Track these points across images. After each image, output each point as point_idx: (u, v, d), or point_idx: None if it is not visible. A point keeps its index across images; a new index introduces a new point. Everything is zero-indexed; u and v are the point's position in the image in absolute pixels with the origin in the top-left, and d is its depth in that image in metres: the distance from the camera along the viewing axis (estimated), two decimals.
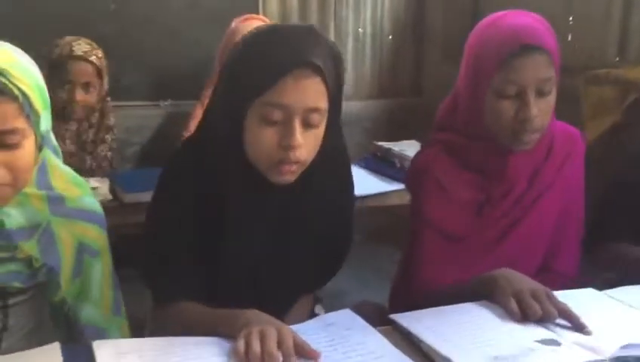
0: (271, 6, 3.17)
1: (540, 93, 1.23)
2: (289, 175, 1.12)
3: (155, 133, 2.98)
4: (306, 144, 1.09)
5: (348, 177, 1.32)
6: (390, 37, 3.44)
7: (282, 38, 1.08)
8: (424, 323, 1.08)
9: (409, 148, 2.38)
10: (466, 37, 1.35)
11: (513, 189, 1.35)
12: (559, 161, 1.39)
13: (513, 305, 1.08)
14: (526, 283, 1.12)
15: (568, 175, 1.40)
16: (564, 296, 1.13)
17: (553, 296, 1.09)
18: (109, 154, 2.43)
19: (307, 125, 1.08)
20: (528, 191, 1.37)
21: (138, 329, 1.44)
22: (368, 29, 3.38)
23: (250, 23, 2.37)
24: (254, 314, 1.03)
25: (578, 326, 1.05)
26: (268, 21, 2.51)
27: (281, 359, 0.92)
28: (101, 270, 1.19)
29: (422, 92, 3.52)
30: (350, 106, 3.40)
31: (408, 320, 1.10)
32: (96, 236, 1.18)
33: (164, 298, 1.21)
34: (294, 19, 3.22)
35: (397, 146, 2.43)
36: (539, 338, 1.03)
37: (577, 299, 1.14)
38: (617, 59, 2.36)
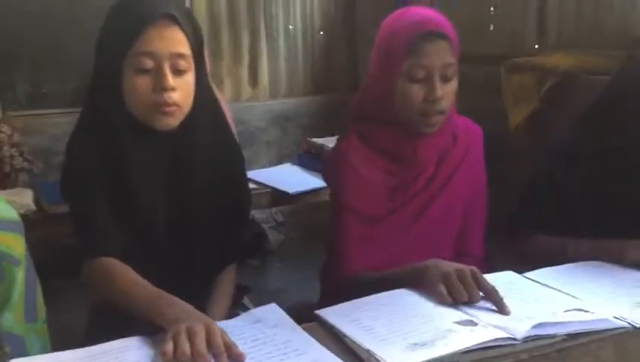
0: (199, 5, 3.14)
1: (444, 78, 1.35)
2: (169, 118, 1.25)
3: None
4: (179, 89, 1.23)
5: (227, 129, 1.44)
6: (321, 32, 3.46)
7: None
8: (348, 317, 1.10)
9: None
10: None
11: (423, 173, 1.45)
12: (463, 149, 1.50)
13: (442, 288, 1.13)
14: (453, 266, 1.18)
15: (472, 162, 1.51)
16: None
17: (480, 276, 1.14)
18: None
19: (176, 71, 1.23)
20: (437, 174, 1.47)
21: (70, 338, 1.41)
22: (299, 26, 3.40)
23: None
24: (184, 308, 1.06)
25: (499, 307, 1.09)
26: None
27: (210, 359, 0.93)
28: (22, 278, 1.17)
29: (356, 86, 3.55)
30: (285, 103, 3.41)
31: (333, 315, 1.11)
32: (16, 244, 1.15)
33: (91, 252, 1.29)
34: (223, 17, 3.20)
35: (330, 142, 2.44)
36: (457, 320, 1.06)
37: (496, 281, 1.17)
38: (537, 46, 2.44)
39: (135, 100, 1.24)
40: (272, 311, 1.13)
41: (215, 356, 0.94)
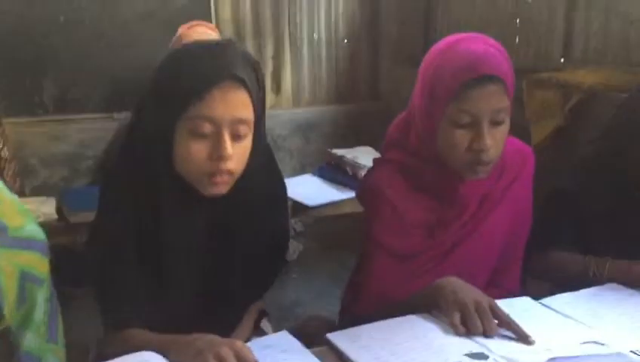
0: (224, 13, 3.16)
1: (494, 123, 1.21)
2: (221, 186, 1.14)
3: (109, 146, 2.94)
4: (236, 155, 1.12)
5: (278, 186, 1.34)
6: (345, 41, 3.45)
7: (206, 53, 1.12)
8: (359, 343, 1.09)
9: (362, 155, 2.40)
10: (420, 40, 1.37)
11: (463, 213, 1.36)
12: (510, 178, 1.39)
13: (456, 319, 1.10)
14: (471, 294, 1.14)
15: (518, 193, 1.40)
16: (499, 304, 1.14)
17: (497, 307, 1.11)
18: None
19: (235, 137, 1.12)
20: (477, 213, 1.37)
21: (83, 351, 1.43)
22: (323, 34, 3.39)
23: (195, 30, 2.36)
24: (203, 339, 1.03)
25: (521, 337, 1.07)
26: (213, 28, 2.50)
27: None
28: (44, 298, 1.18)
29: (379, 96, 3.54)
30: (308, 112, 3.41)
31: (344, 339, 1.11)
32: (39, 264, 1.17)
33: (113, 324, 1.21)
34: (247, 26, 3.21)
35: (350, 153, 2.44)
36: (468, 352, 1.04)
37: (512, 308, 1.16)
38: (562, 60, 2.40)
39: (188, 165, 1.12)
40: (283, 337, 1.13)
41: None
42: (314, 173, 2.47)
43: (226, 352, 0.97)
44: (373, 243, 1.35)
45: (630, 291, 1.31)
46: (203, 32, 2.38)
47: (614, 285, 1.34)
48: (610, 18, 2.20)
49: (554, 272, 1.48)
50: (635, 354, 1.05)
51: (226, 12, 3.16)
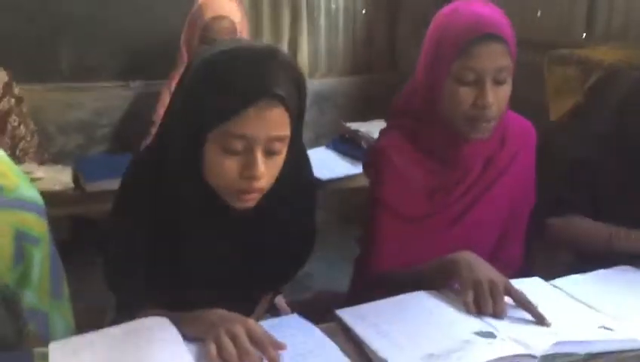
0: None
1: (497, 82, 1.26)
2: (250, 202, 1.11)
3: (125, 114, 2.95)
4: (268, 172, 1.08)
5: (310, 200, 1.30)
6: (363, 11, 3.40)
7: (244, 65, 1.04)
8: (368, 320, 1.10)
9: (377, 128, 2.36)
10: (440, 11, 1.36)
11: (466, 177, 1.39)
12: (512, 151, 1.42)
13: (470, 297, 1.11)
14: (486, 272, 1.15)
15: (521, 166, 1.43)
16: None
17: (513, 288, 1.12)
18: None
19: (269, 153, 1.07)
20: (481, 178, 1.40)
21: (101, 314, 1.46)
22: (341, 4, 3.33)
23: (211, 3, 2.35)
24: (216, 313, 1.04)
25: (538, 319, 1.08)
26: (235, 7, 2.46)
27: (258, 355, 0.95)
28: (41, 256, 1.21)
29: (397, 67, 3.50)
30: (323, 83, 3.38)
31: (352, 316, 1.12)
32: (35, 224, 1.19)
33: (127, 307, 1.19)
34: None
35: (364, 127, 2.42)
36: (476, 330, 1.05)
37: (521, 288, 1.15)
38: (584, 36, 2.35)
39: (218, 180, 1.08)
40: (291, 318, 1.14)
41: (261, 350, 0.96)
42: (328, 147, 2.45)
43: (239, 329, 0.97)
44: (378, 206, 1.38)
45: None
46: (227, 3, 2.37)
47: (627, 267, 1.34)
48: None
49: (576, 239, 1.49)
50: None
51: None
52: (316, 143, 2.96)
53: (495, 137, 1.37)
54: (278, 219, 1.20)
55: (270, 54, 1.06)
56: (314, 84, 3.35)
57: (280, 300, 1.57)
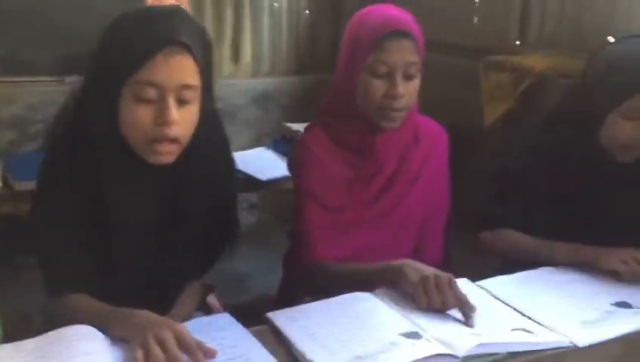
0: None
1: (407, 76, 1.38)
2: (166, 155, 1.14)
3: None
4: (182, 121, 1.12)
5: (228, 158, 1.35)
6: (307, 11, 3.41)
7: (150, 18, 1.13)
8: (298, 323, 1.11)
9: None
10: None
11: (382, 168, 1.48)
12: (425, 150, 1.51)
13: (422, 292, 1.16)
14: (431, 270, 1.20)
15: (434, 166, 1.53)
16: None
17: (455, 283, 1.17)
18: None
19: (181, 102, 1.12)
20: (400, 174, 1.48)
21: (25, 324, 1.41)
22: (284, 3, 3.34)
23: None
24: (145, 316, 1.03)
25: (467, 319, 1.12)
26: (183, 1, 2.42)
27: (186, 360, 0.95)
28: None
29: None
30: (267, 83, 3.37)
31: (283, 319, 1.12)
32: None
33: (55, 289, 1.21)
34: None
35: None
36: (402, 332, 1.07)
37: None
38: (518, 43, 2.42)
39: (133, 130, 1.12)
40: (222, 318, 1.14)
41: (189, 354, 0.96)
42: (268, 147, 2.45)
43: (167, 334, 0.97)
44: (303, 196, 1.46)
45: (566, 274, 1.36)
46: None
47: (551, 268, 1.40)
48: (564, 3, 2.22)
49: (505, 251, 1.54)
50: (563, 335, 1.10)
51: None
52: (259, 143, 2.95)
53: (406, 131, 1.47)
54: (199, 176, 1.23)
55: (173, 10, 1.16)
56: (257, 84, 3.34)
57: (212, 299, 1.56)
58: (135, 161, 1.15)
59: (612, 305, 1.23)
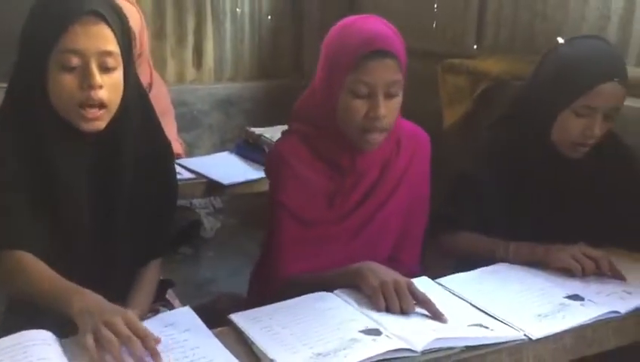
0: None
1: (388, 95, 1.32)
2: (96, 121, 1.22)
3: None
4: (107, 86, 1.21)
5: (157, 127, 1.41)
6: (269, 17, 3.43)
7: None
8: (260, 323, 1.12)
9: (280, 133, 2.40)
10: (344, 17, 1.41)
11: (363, 180, 1.44)
12: (408, 156, 1.48)
13: (380, 298, 1.17)
14: (390, 274, 1.22)
15: (416, 171, 1.50)
16: None
17: (415, 287, 1.19)
18: None
19: (104, 69, 1.21)
20: (380, 184, 1.45)
21: None
22: (246, 9, 3.36)
23: None
24: (92, 299, 1.08)
25: (436, 317, 1.15)
26: (136, 5, 2.41)
27: (139, 341, 0.98)
28: None
29: (302, 72, 3.55)
30: (229, 88, 3.38)
31: (245, 320, 1.13)
32: None
33: (1, 246, 1.24)
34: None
35: (269, 132, 2.43)
36: (362, 329, 1.10)
37: None
38: (475, 47, 2.48)
39: (61, 98, 1.21)
40: (185, 315, 1.15)
41: (141, 339, 0.99)
42: (231, 151, 2.45)
43: (117, 320, 1.00)
44: (278, 207, 1.42)
45: (521, 270, 1.40)
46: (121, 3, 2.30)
47: (507, 264, 1.44)
48: (518, 9, 2.29)
49: (463, 252, 1.57)
50: (517, 329, 1.13)
51: None
52: (222, 148, 2.96)
53: (389, 144, 1.43)
54: (132, 145, 1.31)
55: None
56: (220, 89, 3.35)
57: (171, 295, 1.56)
58: (70, 130, 1.23)
59: (565, 297, 1.27)
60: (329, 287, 1.26)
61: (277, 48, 3.48)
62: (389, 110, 1.32)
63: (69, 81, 1.19)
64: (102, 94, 1.20)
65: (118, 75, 1.23)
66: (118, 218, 1.32)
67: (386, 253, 1.49)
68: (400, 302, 1.16)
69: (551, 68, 1.51)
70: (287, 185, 1.41)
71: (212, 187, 2.15)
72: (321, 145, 1.41)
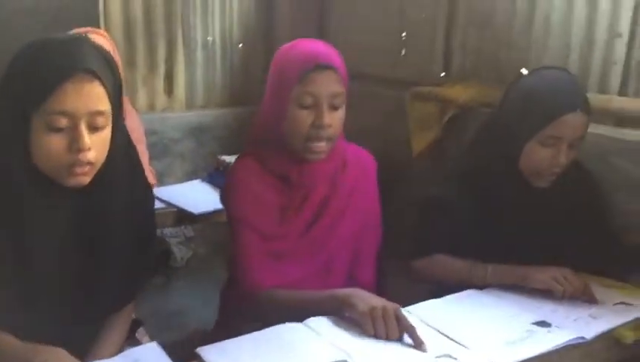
0: (114, 12, 3.06)
1: (332, 107, 1.42)
2: (82, 177, 1.15)
3: None
4: (95, 146, 1.14)
5: (140, 177, 1.36)
6: (240, 45, 3.45)
7: (56, 48, 1.13)
8: (228, 356, 1.11)
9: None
10: None
11: (312, 195, 1.50)
12: (353, 177, 1.55)
13: (369, 323, 1.21)
14: (378, 301, 1.25)
15: (364, 189, 1.57)
16: None
17: (401, 313, 1.23)
18: None
19: (93, 128, 1.13)
20: (330, 202, 1.51)
21: None
22: (218, 38, 3.37)
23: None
24: (54, 355, 1.04)
25: (416, 343, 1.18)
26: (105, 36, 2.41)
27: None
28: None
29: None
30: (201, 116, 3.38)
31: (213, 353, 1.12)
32: None
33: None
34: (139, 28, 3.13)
35: None
36: (331, 360, 1.09)
37: None
38: (443, 75, 2.53)
39: (47, 160, 1.12)
40: (151, 351, 1.13)
41: None
42: (203, 180, 2.44)
43: None
44: (238, 224, 1.48)
45: (491, 296, 1.42)
46: (95, 40, 2.30)
47: (477, 290, 1.45)
48: (484, 39, 2.34)
49: (438, 276, 1.58)
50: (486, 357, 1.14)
51: (116, 11, 3.07)
52: (194, 176, 2.94)
53: (335, 159, 1.51)
54: (114, 199, 1.24)
55: (80, 38, 1.18)
56: (191, 117, 3.34)
57: (141, 333, 1.53)
58: (51, 187, 1.16)
59: (532, 324, 1.29)
60: (310, 309, 1.30)
61: (248, 76, 3.49)
62: (333, 120, 1.41)
63: (56, 142, 1.11)
64: (90, 156, 1.13)
65: (107, 133, 1.16)
66: (98, 266, 1.26)
67: (344, 271, 1.55)
68: (386, 327, 1.20)
69: (516, 99, 1.55)
70: (242, 199, 1.47)
71: (183, 216, 2.14)
72: (271, 160, 1.48)
